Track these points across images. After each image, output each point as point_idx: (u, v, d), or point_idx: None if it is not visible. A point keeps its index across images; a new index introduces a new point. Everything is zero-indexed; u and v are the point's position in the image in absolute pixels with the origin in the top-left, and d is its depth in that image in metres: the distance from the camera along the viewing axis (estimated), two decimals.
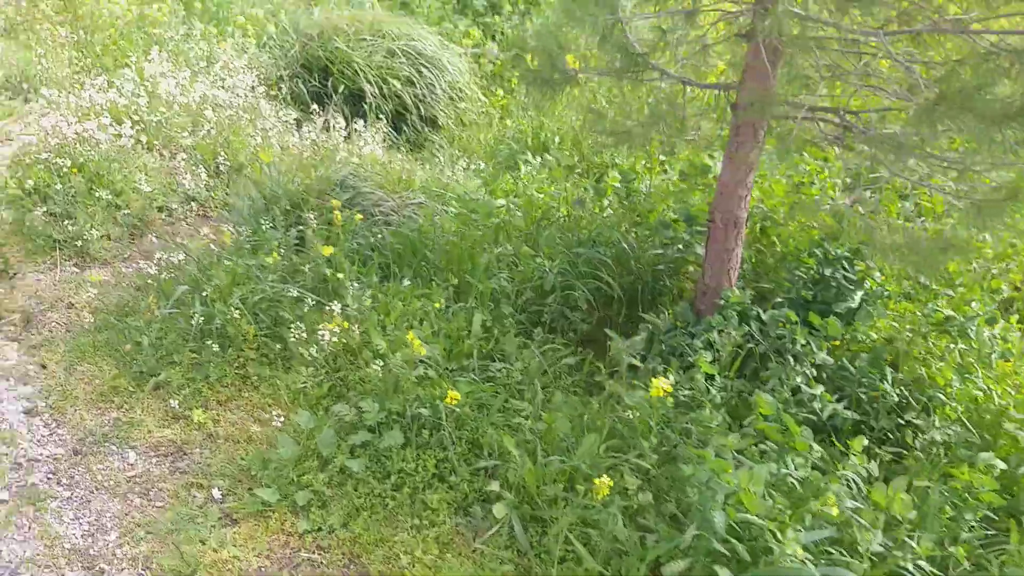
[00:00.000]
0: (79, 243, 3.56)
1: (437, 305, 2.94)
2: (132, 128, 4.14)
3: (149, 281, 3.19)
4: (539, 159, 5.07)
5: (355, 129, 5.02)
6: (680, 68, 3.08)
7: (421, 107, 6.05)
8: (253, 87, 5.20)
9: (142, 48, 5.83)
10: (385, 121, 5.88)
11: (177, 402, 2.68)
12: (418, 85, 6.02)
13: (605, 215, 3.50)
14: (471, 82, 6.52)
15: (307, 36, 6.12)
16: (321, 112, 5.61)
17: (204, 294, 2.92)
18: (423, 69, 6.09)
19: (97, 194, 3.78)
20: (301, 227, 3.42)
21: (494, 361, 2.87)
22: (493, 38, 7.73)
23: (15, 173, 3.93)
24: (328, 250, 2.89)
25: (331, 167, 4.27)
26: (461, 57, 6.59)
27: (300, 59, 6.01)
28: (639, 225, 3.32)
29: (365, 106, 5.87)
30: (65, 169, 3.78)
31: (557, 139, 5.19)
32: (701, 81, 3.18)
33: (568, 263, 3.11)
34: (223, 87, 5.10)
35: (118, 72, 5.15)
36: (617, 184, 3.77)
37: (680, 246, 3.11)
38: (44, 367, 2.87)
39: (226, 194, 4.22)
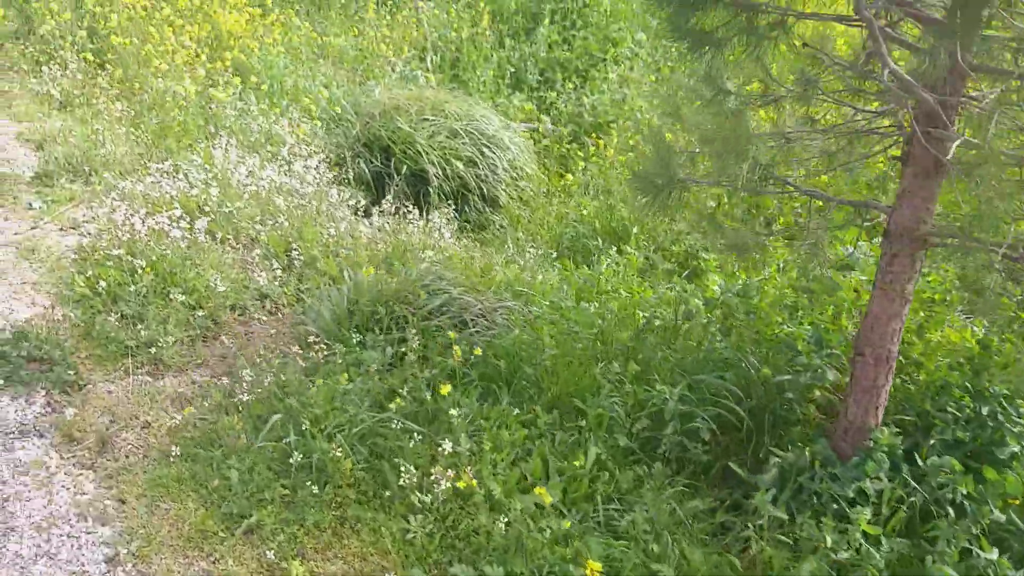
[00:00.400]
0: (152, 350, 3.36)
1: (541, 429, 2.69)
2: (203, 220, 3.98)
3: (234, 400, 2.97)
4: (613, 248, 4.87)
5: (426, 217, 4.85)
6: (808, 179, 2.88)
7: (483, 187, 5.90)
8: (318, 168, 5.07)
9: (204, 128, 5.75)
10: (449, 202, 5.75)
11: (272, 551, 2.42)
12: (480, 165, 5.88)
13: (713, 329, 3.26)
14: (530, 160, 6.38)
15: (368, 115, 6.03)
16: (385, 193, 5.50)
17: (299, 423, 2.69)
18: (485, 149, 5.96)
19: (170, 295, 3.59)
20: (390, 332, 3.21)
21: (612, 501, 2.61)
22: (547, 112, 7.64)
23: (83, 269, 3.76)
24: (446, 389, 2.65)
25: (410, 261, 4.09)
26: (519, 134, 6.46)
27: (362, 138, 5.90)
28: (758, 343, 3.07)
29: (429, 187, 5.74)
30: (137, 268, 3.60)
31: (635, 229, 4.97)
32: (834, 195, 2.98)
33: (687, 387, 2.86)
34: (289, 171, 4.97)
35: (183, 155, 5.03)
36: (717, 287, 3.55)
37: (811, 373, 2.85)
38: (123, 502, 2.63)
39: (299, 289, 4.02)
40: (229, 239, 4.10)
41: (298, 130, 6.24)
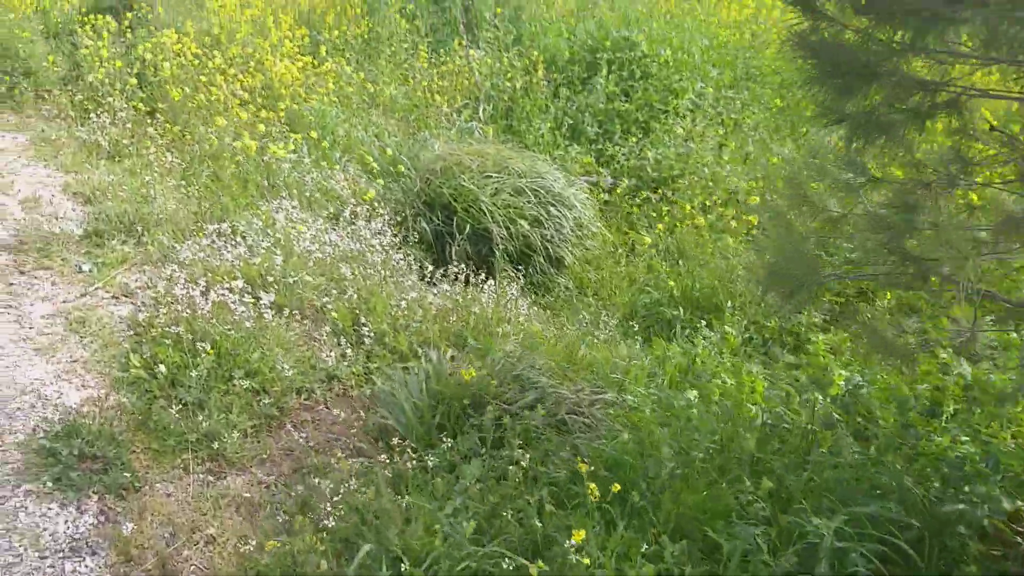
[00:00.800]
0: (215, 444, 3.01)
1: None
2: (269, 293, 3.66)
3: (311, 517, 2.60)
4: (701, 321, 4.47)
5: (496, 283, 4.51)
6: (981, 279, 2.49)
7: (548, 247, 5.56)
8: (383, 231, 4.76)
9: (260, 183, 5.49)
10: (514, 263, 5.43)
11: None
12: (546, 224, 5.55)
13: (850, 440, 2.84)
14: (595, 217, 6.05)
15: (429, 171, 5.74)
16: (447, 253, 5.20)
17: (393, 555, 2.31)
18: (551, 207, 5.63)
19: (233, 378, 3.26)
20: (481, 431, 2.83)
21: None
22: (607, 165, 7.33)
23: (138, 347, 3.45)
24: (580, 535, 2.26)
25: (485, 337, 3.74)
26: (583, 190, 6.14)
27: (423, 196, 5.61)
28: (913, 461, 2.66)
29: (492, 247, 5.42)
30: (199, 349, 3.28)
31: (729, 304, 4.58)
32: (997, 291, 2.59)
33: (843, 519, 2.44)
34: (354, 233, 4.67)
35: (240, 214, 4.75)
36: (842, 384, 3.15)
37: (987, 506, 2.43)
38: None
39: (367, 368, 3.68)
40: (294, 313, 3.77)
41: (355, 186, 5.98)
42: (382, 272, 4.25)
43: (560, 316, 5.05)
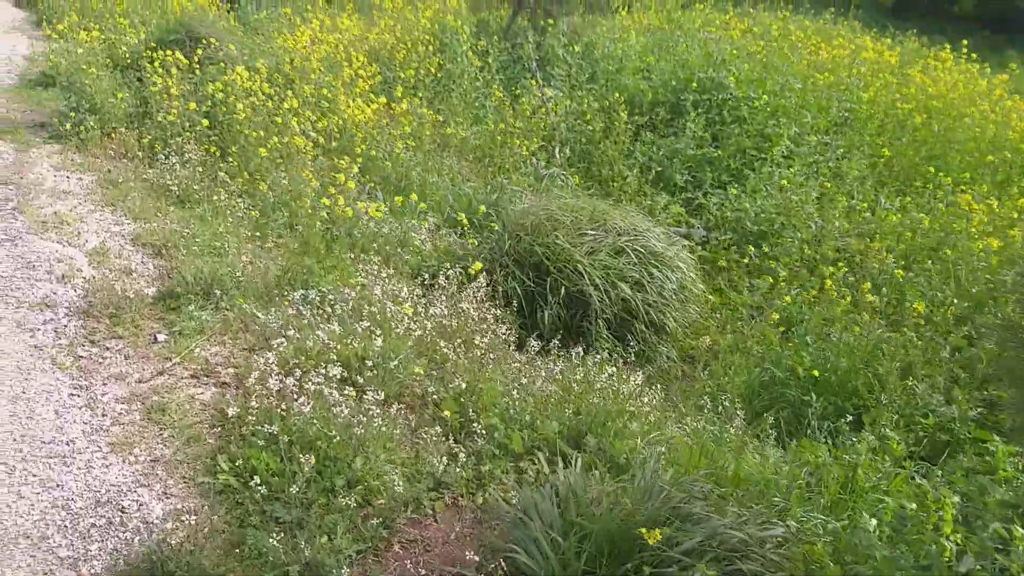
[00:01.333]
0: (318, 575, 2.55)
1: None
2: (375, 391, 3.22)
3: None
4: (844, 417, 3.92)
5: (613, 363, 4.02)
6: None
7: (650, 312, 5.07)
8: (482, 300, 4.31)
9: (336, 236, 5.10)
10: (610, 328, 4.95)
11: None
12: (649, 289, 5.06)
13: None
14: (697, 278, 5.54)
15: (519, 226, 5.29)
16: (538, 316, 4.74)
17: None
18: (653, 269, 5.14)
19: (335, 489, 2.81)
20: None
21: None
22: (697, 216, 6.83)
23: (226, 445, 3.02)
24: None
25: (612, 440, 3.25)
26: (685, 248, 5.64)
27: (512, 253, 5.16)
28: None
29: (588, 311, 4.95)
30: (298, 456, 2.83)
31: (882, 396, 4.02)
32: None
33: None
34: (448, 300, 4.23)
35: (325, 277, 4.34)
36: None
37: None
38: None
39: (479, 473, 3.20)
40: (398, 407, 3.31)
41: (438, 240, 5.57)
42: (489, 355, 3.78)
43: (669, 394, 4.54)
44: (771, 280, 5.56)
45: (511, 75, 9.06)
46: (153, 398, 3.34)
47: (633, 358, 4.96)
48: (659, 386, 4.60)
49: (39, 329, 3.80)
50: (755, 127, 7.26)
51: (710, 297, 5.57)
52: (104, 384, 3.43)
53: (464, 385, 3.38)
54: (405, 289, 4.06)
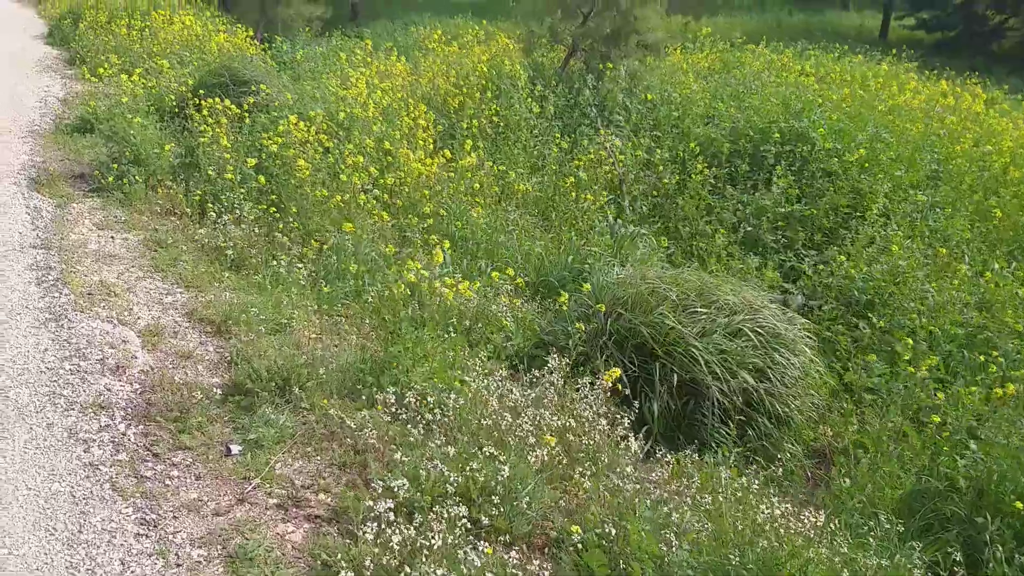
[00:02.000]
0: None
1: None
2: (495, 521, 2.63)
3: None
4: None
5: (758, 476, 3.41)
6: None
7: (774, 403, 4.47)
8: (596, 399, 3.72)
9: (421, 321, 4.53)
10: (724, 420, 4.35)
11: None
12: (773, 377, 4.47)
13: None
14: (817, 360, 4.94)
15: (617, 300, 4.73)
16: (643, 408, 4.16)
17: None
18: (775, 353, 4.55)
19: None
20: None
21: None
22: (792, 279, 6.25)
23: None
24: None
25: None
26: (803, 326, 5.04)
27: (612, 333, 4.59)
28: None
29: (700, 401, 4.36)
30: None
31: None
32: None
33: None
34: (558, 397, 3.64)
35: (417, 370, 3.76)
36: None
37: None
38: None
39: None
40: (533, 555, 2.71)
41: (519, 310, 5.01)
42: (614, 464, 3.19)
43: (803, 504, 3.91)
44: (903, 357, 4.92)
45: (569, 121, 8.57)
46: (235, 540, 2.75)
47: (752, 455, 4.37)
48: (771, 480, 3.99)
49: (94, 440, 3.23)
50: (848, 182, 6.70)
51: (829, 380, 4.96)
52: (175, 518, 2.85)
53: (613, 530, 2.77)
54: (516, 392, 3.48)
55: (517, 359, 4.57)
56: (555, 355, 4.08)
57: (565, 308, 4.56)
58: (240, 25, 12.13)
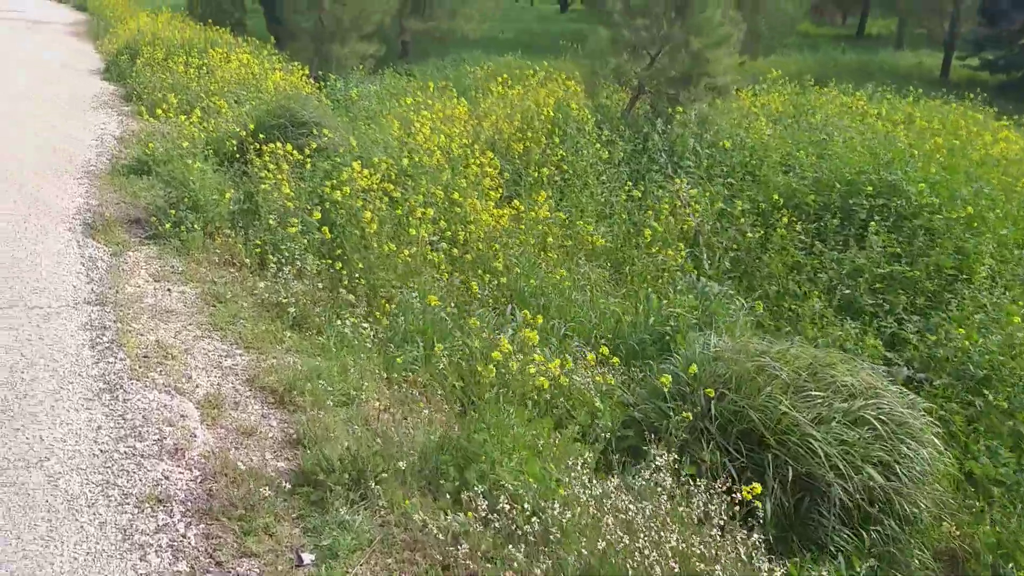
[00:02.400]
0: None
1: None
2: None
3: None
4: None
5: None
6: None
7: (901, 502, 3.93)
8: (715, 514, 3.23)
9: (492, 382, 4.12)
10: (844, 521, 3.82)
11: None
12: (900, 473, 3.94)
13: None
14: (942, 448, 4.38)
15: (716, 378, 4.25)
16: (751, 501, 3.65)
17: None
18: (902, 443, 4.03)
19: None
20: None
21: None
22: (895, 348, 5.70)
23: None
24: None
25: None
26: (919, 408, 4.51)
27: (714, 415, 4.11)
28: None
29: (816, 497, 3.85)
30: None
31: None
32: None
33: None
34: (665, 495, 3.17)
35: (507, 464, 3.33)
36: None
37: None
38: None
39: None
40: None
41: (600, 377, 4.57)
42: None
43: None
44: None
45: (637, 167, 8.16)
46: None
47: (875, 562, 3.83)
48: None
49: (151, 544, 2.84)
50: (951, 241, 6.16)
51: (952, 470, 4.41)
52: None
53: None
54: (626, 498, 3.01)
55: (607, 441, 4.11)
56: (653, 443, 3.63)
57: (666, 388, 4.07)
58: (295, 63, 12.04)
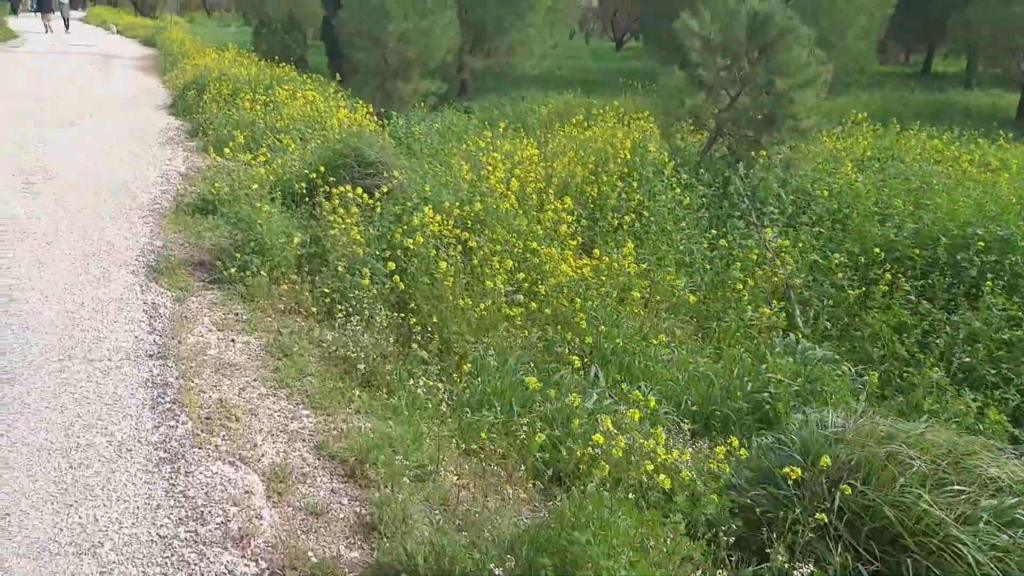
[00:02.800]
0: None
1: None
2: None
3: None
4: None
5: None
6: None
7: None
8: None
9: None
10: None
11: None
12: None
13: None
14: None
15: (843, 465, 3.74)
16: None
17: None
18: None
19: None
20: None
21: None
22: (1018, 422, 5.09)
23: None
24: None
25: None
26: None
27: (836, 507, 3.59)
28: None
29: None
30: None
31: None
32: None
33: None
34: None
35: (612, 564, 2.88)
36: None
37: None
38: None
39: None
40: None
41: (718, 464, 4.09)
42: None
43: None
44: None
45: (718, 213, 7.71)
46: None
47: None
48: None
49: None
50: None
51: None
52: None
53: None
54: None
55: (714, 534, 3.62)
56: (771, 539, 3.14)
57: (792, 480, 3.58)
58: (359, 101, 11.96)
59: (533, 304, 5.08)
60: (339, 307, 5.21)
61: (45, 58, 22.61)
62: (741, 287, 5.92)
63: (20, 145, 9.53)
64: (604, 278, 5.59)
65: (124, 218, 6.88)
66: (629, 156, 7.44)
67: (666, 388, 4.98)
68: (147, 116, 12.53)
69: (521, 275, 5.22)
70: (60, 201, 7.15)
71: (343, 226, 5.75)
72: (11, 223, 6.44)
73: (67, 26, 38.54)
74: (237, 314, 5.28)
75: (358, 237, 5.55)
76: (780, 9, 7.96)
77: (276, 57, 15.25)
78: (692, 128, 9.08)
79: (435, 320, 4.85)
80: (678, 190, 7.24)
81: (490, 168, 6.61)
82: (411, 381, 4.48)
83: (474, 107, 17.73)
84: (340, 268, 5.48)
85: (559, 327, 5.10)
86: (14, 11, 44.57)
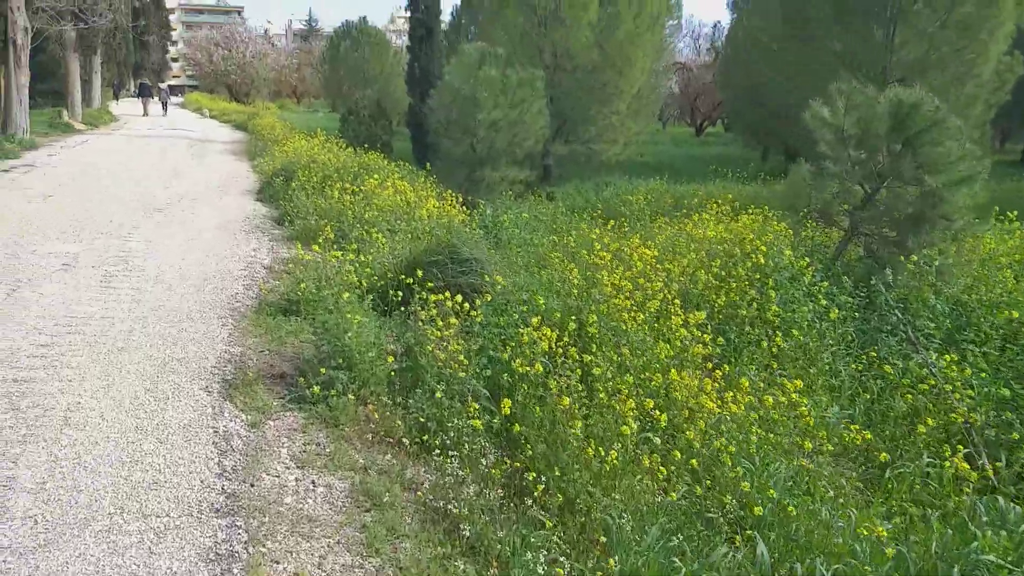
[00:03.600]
0: None
1: None
2: None
3: None
4: None
5: None
6: None
7: None
8: None
9: None
10: None
11: None
12: None
13: None
14: None
15: None
16: None
17: None
18: None
19: None
20: None
21: None
22: None
23: None
24: None
25: None
26: None
27: None
28: None
29: None
30: None
31: None
32: None
33: None
34: None
35: None
36: None
37: None
38: None
39: None
40: None
41: None
42: None
43: None
44: None
45: (865, 327, 6.64)
46: None
47: None
48: None
49: None
50: None
51: None
52: None
53: None
54: None
55: None
56: None
57: None
58: (447, 189, 11.50)
59: (676, 452, 4.11)
60: (435, 440, 4.38)
61: (140, 142, 23.50)
62: (923, 429, 4.82)
63: (106, 234, 9.30)
64: (756, 416, 4.60)
65: (202, 318, 6.32)
66: (763, 261, 6.51)
67: (849, 569, 3.88)
68: (235, 203, 12.38)
69: (661, 415, 4.27)
70: (137, 299, 6.67)
71: (441, 338, 4.98)
72: (84, 325, 5.94)
73: (165, 109, 40.60)
74: (319, 444, 4.51)
75: (463, 359, 4.75)
76: (928, 99, 7.05)
77: (363, 143, 15.12)
78: (819, 227, 8.12)
79: (557, 472, 3.94)
80: (824, 301, 6.23)
81: (605, 272, 5.79)
82: (528, 555, 3.56)
83: (556, 193, 17.20)
84: (439, 393, 4.67)
85: (708, 482, 4.11)
86: (116, 96, 47.53)
